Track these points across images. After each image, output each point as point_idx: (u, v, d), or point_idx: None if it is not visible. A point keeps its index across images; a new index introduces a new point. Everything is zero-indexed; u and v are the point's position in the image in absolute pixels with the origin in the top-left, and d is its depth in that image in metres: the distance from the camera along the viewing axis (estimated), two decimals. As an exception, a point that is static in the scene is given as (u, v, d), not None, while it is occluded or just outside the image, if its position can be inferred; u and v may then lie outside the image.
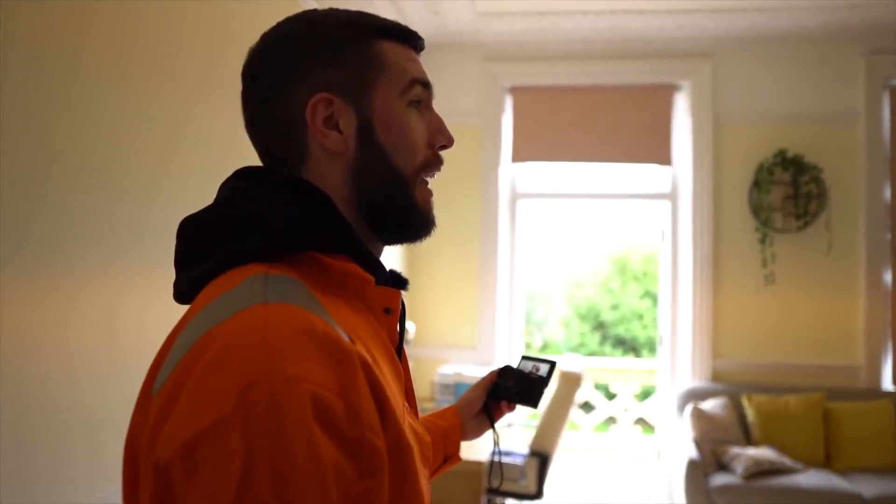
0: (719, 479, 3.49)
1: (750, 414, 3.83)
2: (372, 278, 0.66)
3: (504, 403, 1.10)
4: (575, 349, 10.09)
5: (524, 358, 1.15)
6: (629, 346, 10.28)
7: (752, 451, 3.56)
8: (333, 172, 0.70)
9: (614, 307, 10.53)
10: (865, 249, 4.09)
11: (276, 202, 0.65)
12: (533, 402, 1.09)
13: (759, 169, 4.13)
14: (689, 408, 3.84)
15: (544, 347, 10.36)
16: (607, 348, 10.30)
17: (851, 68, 4.10)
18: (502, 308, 4.46)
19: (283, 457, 0.47)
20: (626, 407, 6.15)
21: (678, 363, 4.31)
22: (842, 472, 3.63)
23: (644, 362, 7.92)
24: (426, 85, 0.74)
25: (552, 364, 1.13)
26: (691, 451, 3.60)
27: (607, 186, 4.62)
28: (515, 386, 1.09)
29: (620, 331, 10.40)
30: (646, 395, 6.76)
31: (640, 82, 4.32)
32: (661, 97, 4.32)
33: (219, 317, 0.55)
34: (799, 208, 4.10)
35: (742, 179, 4.18)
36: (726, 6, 3.73)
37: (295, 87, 0.69)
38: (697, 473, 3.52)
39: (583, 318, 10.61)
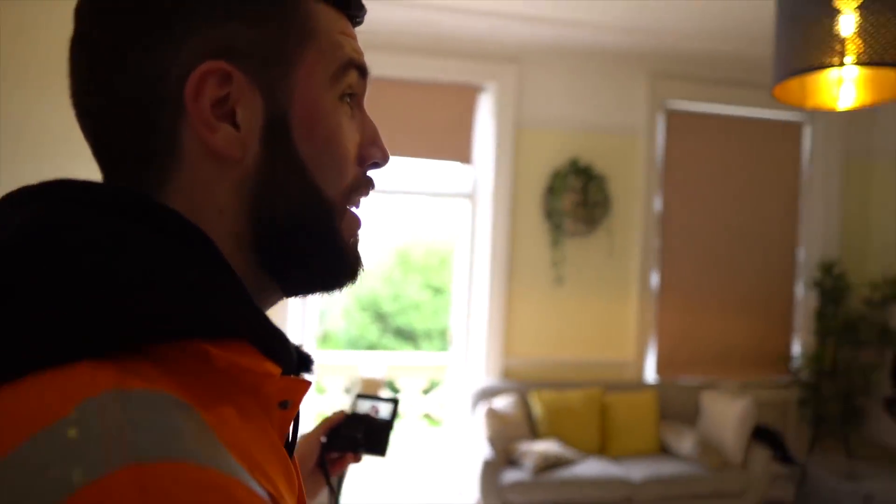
0: (510, 476, 3.60)
1: (537, 410, 4.01)
2: (278, 370, 0.42)
3: (350, 455, 0.94)
4: (355, 340, 10.02)
5: (359, 397, 1.00)
6: (408, 337, 10.45)
7: (539, 446, 3.72)
8: (218, 190, 0.44)
9: (395, 298, 10.63)
10: (639, 254, 4.49)
11: (118, 249, 0.37)
12: (381, 450, 0.95)
13: (554, 175, 4.34)
14: (482, 406, 3.91)
15: (325, 339, 10.15)
16: (387, 339, 10.38)
17: (636, 88, 4.46)
18: (293, 302, 4.19)
19: None
20: (414, 402, 6.19)
21: (471, 361, 4.39)
22: (615, 458, 3.94)
23: (431, 356, 8.06)
24: (364, 73, 0.51)
25: (395, 402, 1.00)
26: (486, 451, 3.66)
27: (408, 182, 4.55)
28: (363, 434, 0.94)
29: (400, 321, 10.53)
30: (432, 387, 6.87)
31: (446, 80, 4.30)
32: (466, 97, 4.35)
33: (42, 491, 0.29)
34: (587, 214, 4.37)
35: (538, 183, 4.36)
36: (538, 15, 3.82)
37: (168, 41, 0.43)
38: (491, 472, 3.60)
39: (364, 308, 10.58)
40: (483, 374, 4.29)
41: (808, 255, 4.90)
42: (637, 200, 4.50)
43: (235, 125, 0.44)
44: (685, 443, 3.91)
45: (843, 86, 2.20)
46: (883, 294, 4.42)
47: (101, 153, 0.46)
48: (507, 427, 3.85)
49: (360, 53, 0.51)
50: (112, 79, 0.43)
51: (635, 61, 4.40)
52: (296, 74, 0.46)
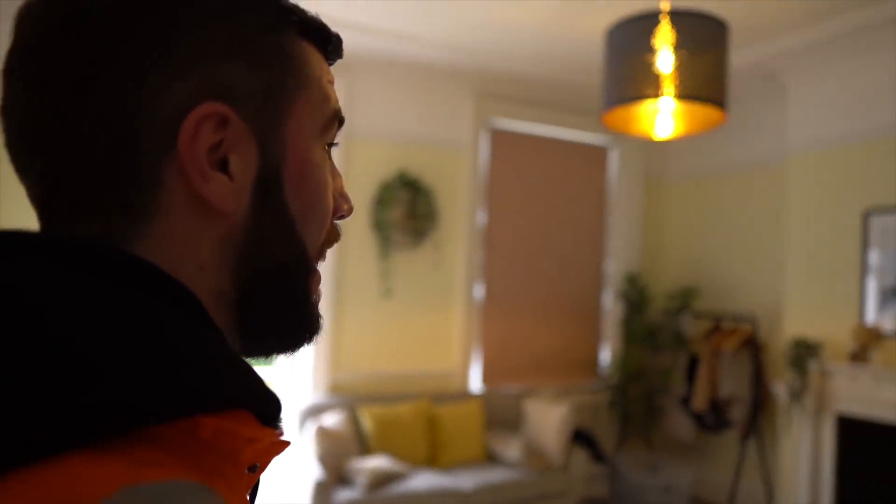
0: (343, 495, 3.48)
1: (367, 425, 3.92)
2: (274, 435, 0.39)
3: None
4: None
5: None
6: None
7: (371, 462, 3.64)
8: (202, 244, 0.39)
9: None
10: (464, 266, 4.59)
11: (104, 319, 0.32)
12: None
13: (383, 186, 4.31)
14: (310, 424, 3.75)
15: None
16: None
17: (463, 104, 4.58)
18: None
19: None
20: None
21: (298, 377, 4.20)
22: (446, 469, 3.96)
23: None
24: (342, 122, 0.47)
25: None
26: (316, 471, 3.51)
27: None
28: None
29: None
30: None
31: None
32: (292, 103, 4.20)
33: None
34: (414, 226, 4.39)
35: (367, 195, 4.30)
36: (369, 25, 3.79)
37: (161, 72, 0.37)
38: (323, 493, 3.45)
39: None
40: (311, 390, 4.13)
41: (614, 268, 5.32)
42: (462, 214, 4.61)
43: (230, 175, 0.39)
44: (511, 449, 4.03)
45: (661, 116, 2.41)
46: (676, 304, 4.90)
47: (49, 197, 0.38)
48: (337, 444, 3.72)
49: (333, 101, 0.46)
50: (81, 108, 0.35)
51: (462, 78, 4.52)
52: (288, 124, 0.42)
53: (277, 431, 0.39)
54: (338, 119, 0.46)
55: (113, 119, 0.36)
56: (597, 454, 4.58)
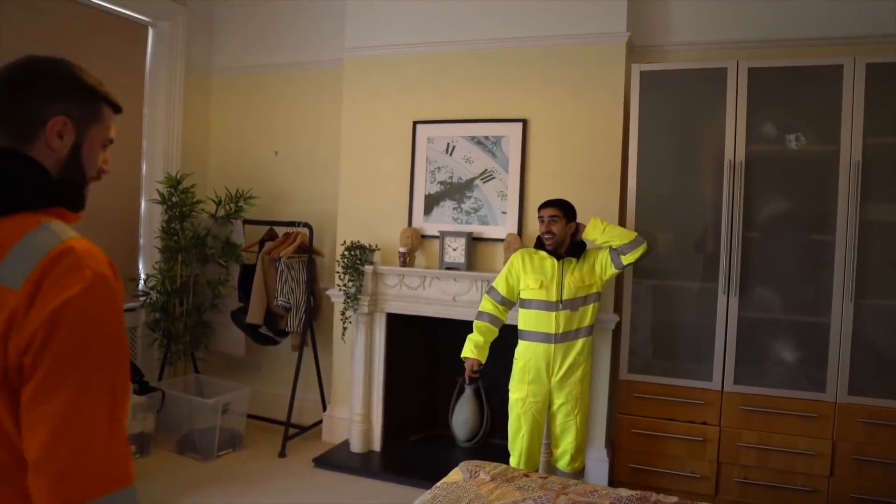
0: None
1: None
2: (74, 216, 1.14)
3: None
4: None
5: None
6: None
7: None
8: (48, 160, 1.08)
9: None
10: None
11: (37, 172, 1.05)
12: None
13: None
14: None
15: None
16: None
17: None
18: None
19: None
20: None
21: None
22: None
23: None
24: (111, 141, 1.17)
25: None
26: None
27: None
28: None
29: None
30: None
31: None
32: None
33: (47, 243, 0.95)
34: None
35: None
36: None
37: (44, 104, 1.07)
38: None
39: None
40: None
41: (150, 169, 4.59)
42: None
43: (61, 140, 1.05)
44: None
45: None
46: (226, 210, 4.49)
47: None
48: None
49: (112, 130, 1.13)
50: (19, 109, 1.04)
51: None
52: (90, 132, 1.08)
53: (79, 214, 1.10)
54: (109, 139, 1.13)
55: (31, 115, 1.02)
56: (140, 384, 3.96)
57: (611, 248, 3.13)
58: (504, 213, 3.94)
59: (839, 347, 3.08)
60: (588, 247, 3.25)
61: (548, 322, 3.13)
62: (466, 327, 3.32)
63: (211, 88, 5.02)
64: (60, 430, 0.86)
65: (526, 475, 2.65)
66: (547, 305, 3.13)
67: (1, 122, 1.02)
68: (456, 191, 4.05)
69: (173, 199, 4.40)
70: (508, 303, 3.28)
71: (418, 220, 4.12)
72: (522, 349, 3.21)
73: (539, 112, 3.89)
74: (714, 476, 3.27)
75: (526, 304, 3.20)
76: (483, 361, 3.25)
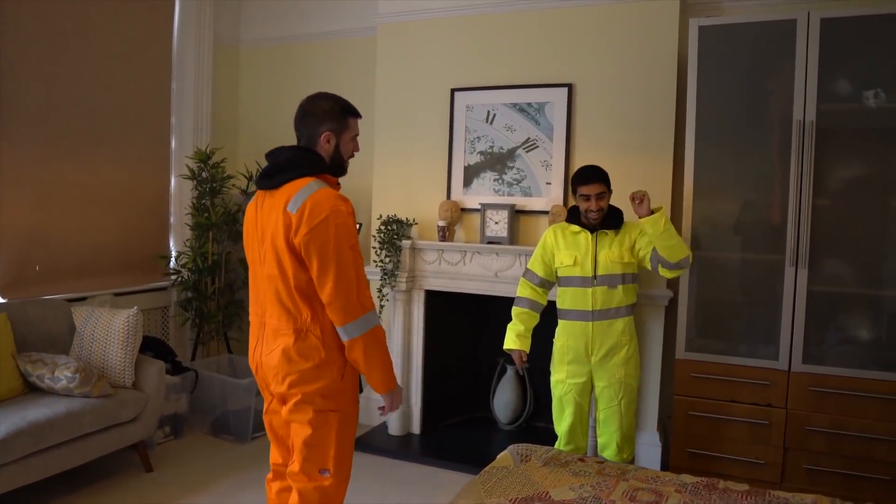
0: None
1: None
2: (336, 181, 2.05)
3: None
4: None
5: None
6: None
7: None
8: (325, 149, 2.00)
9: None
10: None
11: (316, 157, 1.98)
12: None
13: None
14: None
15: None
16: None
17: None
18: None
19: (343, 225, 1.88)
20: None
21: None
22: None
23: None
24: (356, 136, 2.11)
25: None
26: None
27: None
28: None
29: None
30: None
31: None
32: None
33: (311, 191, 1.87)
34: None
35: None
36: None
37: (320, 125, 2.01)
38: None
39: None
40: None
41: (180, 145, 4.45)
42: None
43: (330, 143, 2.02)
44: (60, 373, 3.03)
45: None
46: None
47: (300, 138, 2.05)
48: None
49: (356, 128, 2.08)
50: (312, 125, 2.02)
51: None
52: (343, 136, 2.03)
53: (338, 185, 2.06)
54: (356, 134, 2.10)
55: (313, 131, 2.02)
56: (173, 364, 3.85)
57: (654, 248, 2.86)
58: (549, 183, 3.72)
59: (921, 323, 2.81)
60: (626, 219, 2.99)
61: (584, 299, 2.90)
62: (509, 304, 3.12)
63: (240, 60, 4.87)
64: (334, 288, 1.83)
65: (581, 459, 2.46)
66: (582, 282, 2.91)
67: (300, 134, 2.00)
68: (497, 161, 3.84)
69: (203, 174, 4.26)
70: (548, 283, 3.05)
71: (457, 192, 3.92)
72: (561, 328, 3.00)
73: (585, 76, 3.64)
74: (780, 463, 3.04)
75: (564, 281, 2.98)
76: (527, 350, 3.04)
